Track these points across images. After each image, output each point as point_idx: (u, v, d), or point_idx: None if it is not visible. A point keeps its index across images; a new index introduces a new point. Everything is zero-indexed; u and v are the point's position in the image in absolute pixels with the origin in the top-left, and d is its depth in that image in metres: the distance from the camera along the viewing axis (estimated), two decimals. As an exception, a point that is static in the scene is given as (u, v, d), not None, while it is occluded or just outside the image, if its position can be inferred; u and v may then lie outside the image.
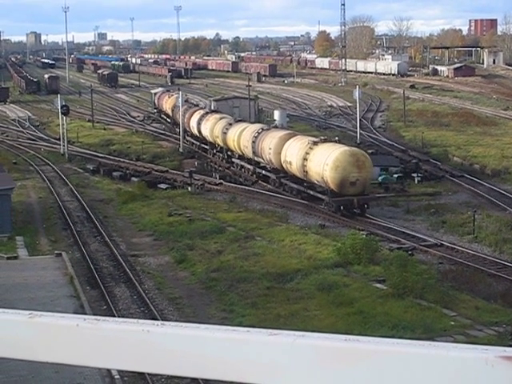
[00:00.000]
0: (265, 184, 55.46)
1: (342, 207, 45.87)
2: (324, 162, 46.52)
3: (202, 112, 73.20)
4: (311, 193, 49.40)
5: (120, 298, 32.54)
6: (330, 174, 46.02)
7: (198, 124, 70.60)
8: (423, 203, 49.22)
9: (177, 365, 1.72)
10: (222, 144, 64.70)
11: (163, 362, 1.73)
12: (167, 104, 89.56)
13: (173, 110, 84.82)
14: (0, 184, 44.52)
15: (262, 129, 57.85)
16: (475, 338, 26.47)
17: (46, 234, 44.29)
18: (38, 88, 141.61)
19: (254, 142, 56.86)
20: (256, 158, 57.41)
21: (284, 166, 52.40)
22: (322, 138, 51.77)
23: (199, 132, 70.94)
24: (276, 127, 61.86)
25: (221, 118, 67.13)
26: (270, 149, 53.88)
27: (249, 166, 59.25)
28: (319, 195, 48.20)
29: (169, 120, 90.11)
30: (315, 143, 49.10)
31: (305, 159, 48.67)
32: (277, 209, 48.92)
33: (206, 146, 70.46)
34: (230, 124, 63.72)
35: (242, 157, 61.01)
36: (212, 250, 39.11)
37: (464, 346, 1.54)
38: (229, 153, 64.13)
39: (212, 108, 77.24)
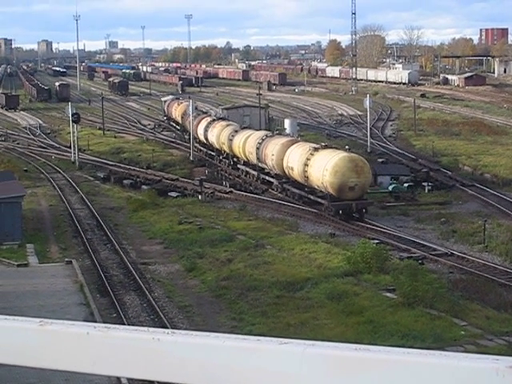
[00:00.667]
0: (275, 193, 55.62)
1: (340, 211, 46.34)
2: (324, 167, 47.09)
3: (208, 119, 73.75)
4: (312, 197, 49.90)
5: (130, 305, 32.52)
6: (329, 179, 46.52)
7: (205, 131, 71.14)
8: (433, 212, 49.10)
9: (187, 373, 1.71)
10: (227, 150, 65.30)
11: (173, 370, 1.72)
12: (177, 111, 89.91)
13: (182, 118, 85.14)
14: (11, 191, 44.64)
15: (266, 135, 58.91)
16: (486, 348, 26.36)
17: (56, 242, 44.34)
18: (48, 96, 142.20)
19: (258, 148, 57.65)
20: (260, 164, 58.12)
21: (286, 171, 53.04)
22: (323, 144, 52.31)
23: (206, 139, 71.52)
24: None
25: (227, 125, 67.76)
26: (272, 155, 54.60)
27: (253, 172, 60.03)
28: (319, 200, 48.88)
29: (178, 127, 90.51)
30: (316, 149, 49.80)
31: (306, 165, 49.31)
32: (287, 217, 48.90)
33: (212, 153, 71.07)
34: (236, 131, 64.44)
35: (247, 163, 61.74)
36: (222, 258, 39.06)
37: (475, 356, 1.54)
38: (234, 159, 64.90)
39: (221, 116, 77.48)
